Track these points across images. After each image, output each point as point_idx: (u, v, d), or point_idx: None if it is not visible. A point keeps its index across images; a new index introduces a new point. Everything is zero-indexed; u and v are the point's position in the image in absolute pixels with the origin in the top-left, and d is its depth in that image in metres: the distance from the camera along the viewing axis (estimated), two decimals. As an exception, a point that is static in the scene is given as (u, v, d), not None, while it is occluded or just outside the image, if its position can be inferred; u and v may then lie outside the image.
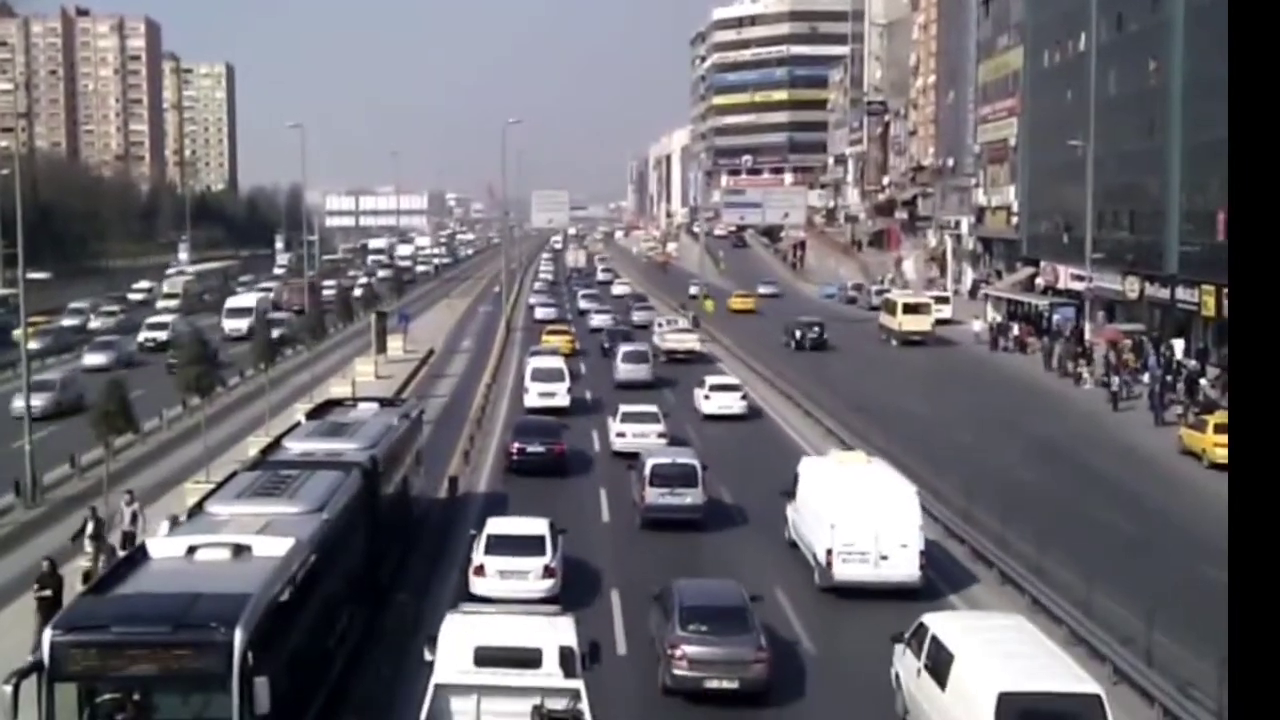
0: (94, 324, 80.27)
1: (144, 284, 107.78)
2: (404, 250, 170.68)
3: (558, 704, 16.03)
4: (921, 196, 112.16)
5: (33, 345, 50.07)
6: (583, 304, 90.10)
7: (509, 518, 27.01)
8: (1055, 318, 65.22)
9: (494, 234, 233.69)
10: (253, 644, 14.16)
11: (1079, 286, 65.91)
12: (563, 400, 45.86)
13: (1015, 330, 67.37)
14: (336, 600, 19.29)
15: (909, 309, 70.28)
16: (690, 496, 30.08)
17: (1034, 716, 16.18)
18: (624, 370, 53.15)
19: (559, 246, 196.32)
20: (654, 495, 29.98)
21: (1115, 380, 49.46)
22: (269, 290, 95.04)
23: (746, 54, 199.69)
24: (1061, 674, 17.14)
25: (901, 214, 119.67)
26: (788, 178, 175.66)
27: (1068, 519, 30.77)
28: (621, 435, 38.70)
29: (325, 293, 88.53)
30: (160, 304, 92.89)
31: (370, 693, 19.05)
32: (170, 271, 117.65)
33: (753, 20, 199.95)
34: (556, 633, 17.10)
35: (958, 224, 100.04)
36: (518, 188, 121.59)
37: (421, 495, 30.29)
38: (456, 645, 16.91)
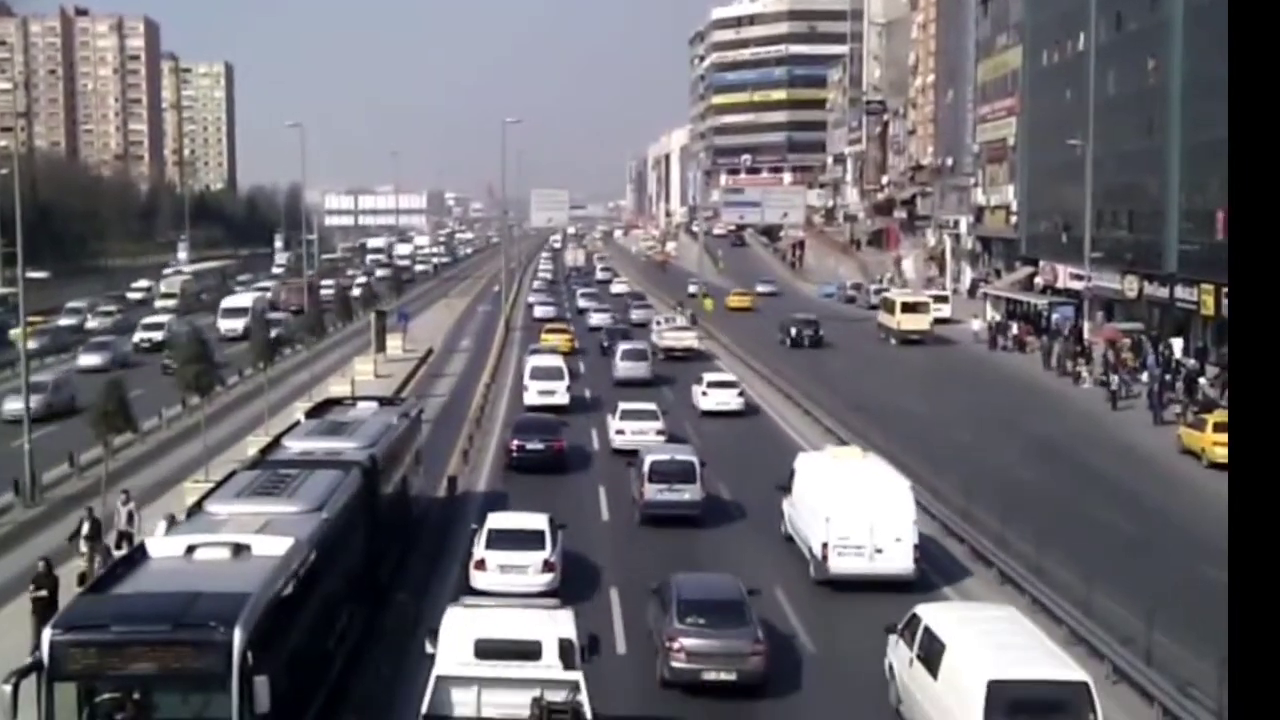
0: (91, 324, 79.70)
1: (143, 283, 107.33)
2: (402, 249, 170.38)
3: (557, 696, 16.17)
4: (920, 196, 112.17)
5: (30, 345, 49.90)
6: (581, 303, 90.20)
7: (509, 513, 27.36)
8: (1054, 317, 65.23)
9: (493, 233, 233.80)
10: (252, 643, 14.15)
11: (1078, 286, 65.92)
12: (562, 398, 46.01)
13: (1014, 329, 67.36)
14: (336, 599, 19.28)
15: (907, 308, 70.34)
16: (689, 493, 30.33)
17: (1023, 704, 16.50)
18: (623, 368, 53.44)
19: (558, 246, 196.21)
20: (653, 491, 30.21)
21: (1114, 379, 49.48)
22: (266, 290, 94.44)
23: (745, 53, 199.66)
24: (1050, 663, 17.43)
25: (900, 213, 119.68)
26: (787, 177, 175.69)
27: (1067, 518, 30.76)
28: (621, 433, 38.92)
29: (323, 292, 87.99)
30: (158, 304, 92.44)
31: (370, 692, 19.04)
32: (167, 271, 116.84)
33: (751, 20, 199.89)
34: (556, 626, 17.25)
35: (956, 223, 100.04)
36: (517, 187, 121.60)
37: (421, 494, 30.30)
38: (457, 638, 17.06)
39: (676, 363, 59.47)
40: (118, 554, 23.94)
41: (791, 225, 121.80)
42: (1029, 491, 33.81)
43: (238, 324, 72.04)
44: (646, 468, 30.47)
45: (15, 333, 67.60)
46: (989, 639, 18.05)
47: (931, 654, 18.30)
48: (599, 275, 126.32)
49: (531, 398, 45.99)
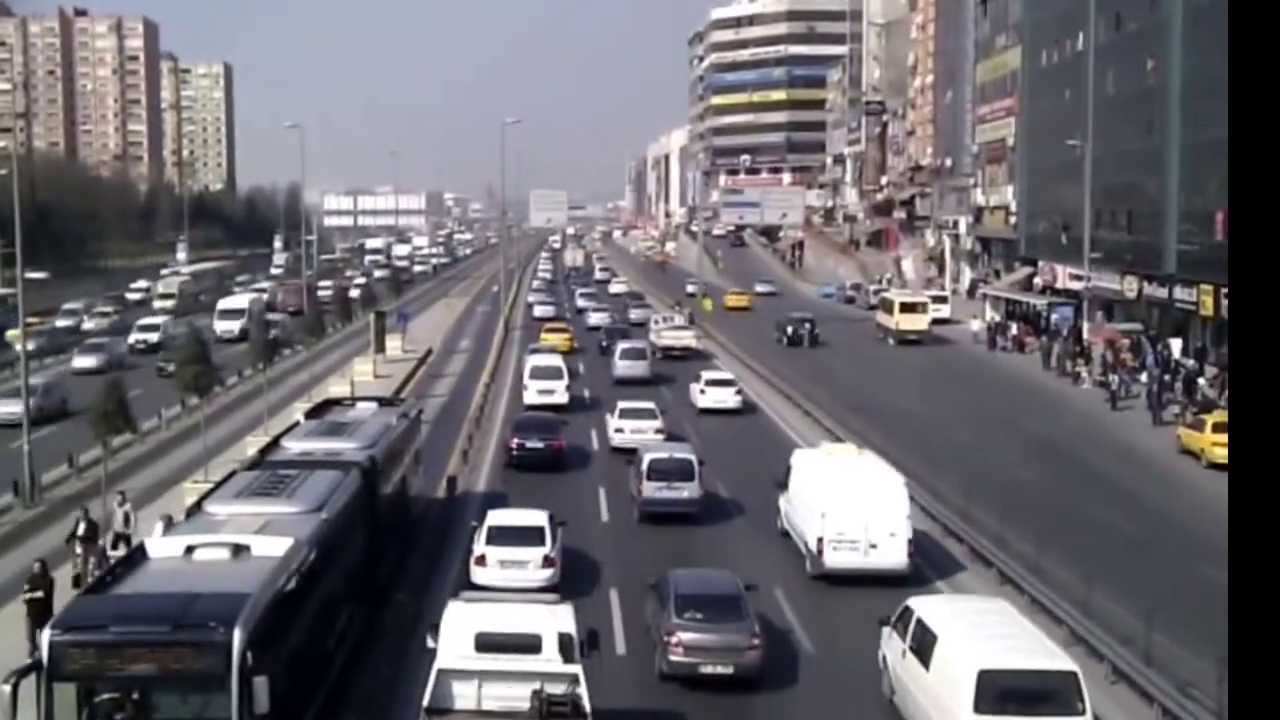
0: (88, 325, 79.10)
1: (141, 284, 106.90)
2: (401, 250, 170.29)
3: (557, 688, 16.39)
4: (920, 196, 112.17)
5: (27, 346, 49.78)
6: (581, 302, 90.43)
7: (509, 509, 27.65)
8: (1053, 317, 65.28)
9: (492, 234, 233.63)
10: (252, 644, 14.15)
11: (1077, 286, 65.93)
12: (561, 398, 46.14)
13: (1013, 330, 67.40)
14: (336, 600, 19.28)
15: (906, 308, 70.47)
16: (687, 490, 30.64)
17: (1013, 693, 16.86)
18: (622, 367, 53.74)
19: (557, 246, 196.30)
20: (651, 489, 30.52)
21: (1113, 380, 49.49)
22: (263, 291, 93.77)
23: (745, 54, 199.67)
24: (1039, 652, 17.79)
25: (900, 214, 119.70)
26: (786, 177, 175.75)
27: (1066, 518, 30.76)
28: (620, 431, 39.16)
29: (321, 293, 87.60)
30: (156, 304, 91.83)
31: (370, 692, 19.06)
32: (165, 272, 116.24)
33: (751, 20, 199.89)
34: (556, 620, 17.43)
35: (956, 224, 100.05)
36: (516, 187, 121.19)
37: (420, 494, 30.33)
38: (458, 631, 17.24)
39: (675, 362, 59.68)
40: (114, 554, 23.96)
41: (791, 226, 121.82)
42: (1028, 492, 33.81)
43: (233, 325, 71.49)
44: (645, 466, 30.79)
45: (11, 334, 67.59)
46: (980, 630, 18.41)
47: (924, 645, 18.59)
48: (598, 275, 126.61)
49: (531, 397, 46.12)
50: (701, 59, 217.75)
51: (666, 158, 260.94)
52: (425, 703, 16.45)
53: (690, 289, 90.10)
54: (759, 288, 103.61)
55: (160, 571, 16.28)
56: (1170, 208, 57.71)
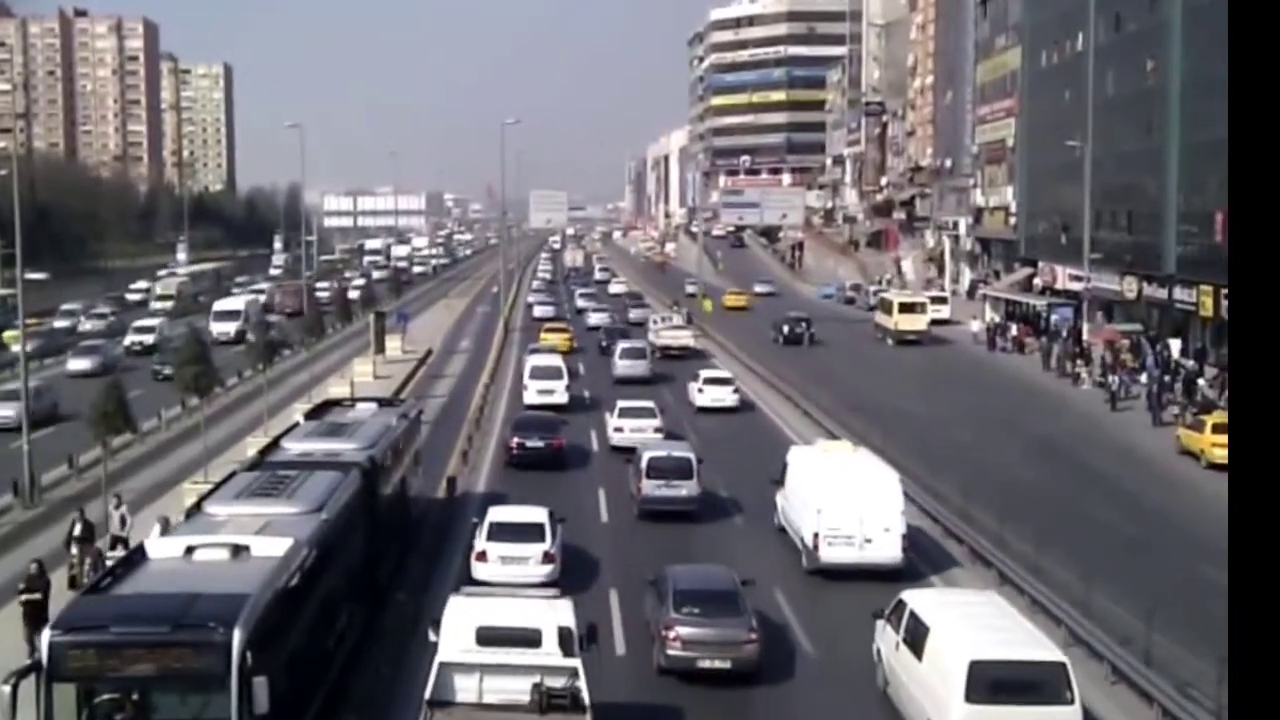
0: (85, 326, 78.35)
1: (141, 285, 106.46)
2: (400, 251, 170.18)
3: (556, 682, 16.67)
4: (919, 197, 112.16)
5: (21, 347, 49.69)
6: (580, 302, 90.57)
7: (510, 506, 27.86)
8: (1053, 318, 65.29)
9: (492, 234, 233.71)
10: (251, 644, 14.15)
11: (1077, 287, 65.92)
12: (561, 397, 46.25)
13: (1013, 330, 67.41)
14: (335, 600, 19.29)
15: (904, 308, 70.58)
16: (685, 488, 30.91)
17: (1003, 683, 17.22)
18: (622, 366, 54.08)
19: (557, 247, 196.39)
20: (650, 487, 30.79)
21: (1113, 380, 49.49)
22: (261, 293, 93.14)
23: (744, 54, 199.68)
24: (1029, 644, 18.18)
25: (899, 214, 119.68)
26: (786, 178, 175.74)
27: (1066, 519, 30.77)
28: (619, 430, 39.34)
29: (319, 294, 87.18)
30: (154, 305, 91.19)
31: (370, 692, 19.08)
32: (162, 273, 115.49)
33: (750, 21, 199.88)
34: (555, 614, 17.64)
35: (955, 224, 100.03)
36: (516, 188, 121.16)
37: (420, 495, 30.34)
38: (460, 626, 17.42)
39: (673, 361, 59.96)
40: (111, 555, 23.93)
41: (790, 226, 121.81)
42: (1028, 492, 33.81)
43: (229, 327, 70.89)
44: (644, 464, 31.07)
45: (9, 335, 67.51)
46: (971, 622, 18.78)
47: (917, 637, 18.91)
48: (597, 276, 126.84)
49: (531, 397, 46.22)
50: (701, 59, 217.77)
51: (666, 158, 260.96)
52: (427, 695, 16.69)
53: (690, 289, 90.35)
54: (758, 288, 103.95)
55: (160, 572, 16.28)
56: (1170, 208, 57.71)
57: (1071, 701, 17.23)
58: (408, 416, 30.02)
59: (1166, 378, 48.88)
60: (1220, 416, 37.21)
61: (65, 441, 37.68)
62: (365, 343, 63.43)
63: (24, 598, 21.92)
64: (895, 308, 70.73)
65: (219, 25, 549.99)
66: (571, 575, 25.22)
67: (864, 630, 21.38)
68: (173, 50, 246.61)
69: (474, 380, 54.57)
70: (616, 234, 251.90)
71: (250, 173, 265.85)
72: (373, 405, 31.01)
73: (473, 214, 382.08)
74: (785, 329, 69.80)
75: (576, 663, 16.93)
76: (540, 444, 36.87)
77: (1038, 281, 76.53)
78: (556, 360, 49.70)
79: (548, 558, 25.26)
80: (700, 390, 47.66)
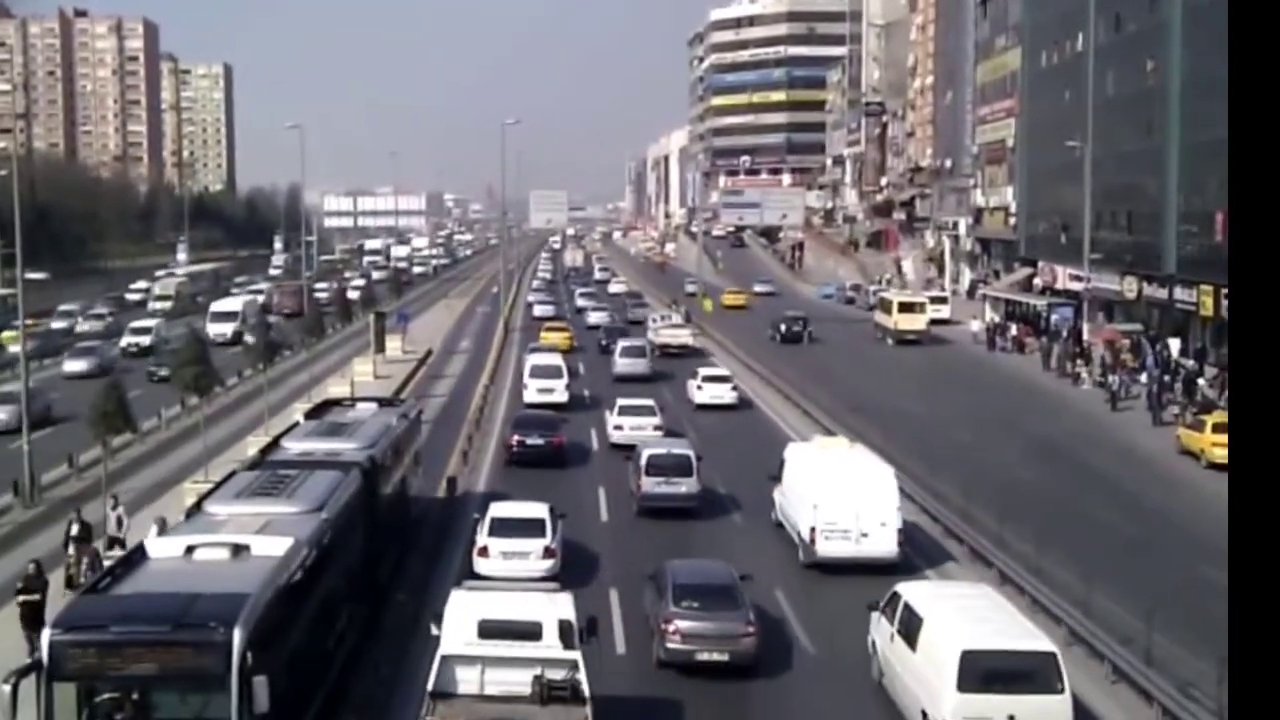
0: (82, 327, 77.82)
1: (141, 285, 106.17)
2: (400, 251, 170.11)
3: (557, 674, 16.91)
4: (919, 197, 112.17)
5: (20, 348, 49.64)
6: (580, 302, 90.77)
7: (511, 502, 28.09)
8: (1053, 318, 65.30)
9: (492, 234, 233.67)
10: (252, 643, 14.15)
11: (1077, 287, 65.92)
12: (561, 396, 46.38)
13: (1013, 330, 67.42)
14: (335, 599, 19.30)
15: (904, 308, 70.67)
16: (685, 485, 31.14)
17: (995, 672, 17.53)
18: (622, 364, 54.41)
19: (557, 247, 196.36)
20: (650, 484, 31.00)
21: (1113, 380, 49.49)
22: (259, 293, 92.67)
23: (744, 55, 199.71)
24: (1021, 634, 18.52)
25: (899, 215, 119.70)
26: (786, 178, 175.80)
27: (1066, 519, 30.78)
28: (619, 428, 39.53)
29: (318, 295, 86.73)
30: (152, 306, 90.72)
31: (370, 692, 19.09)
32: (160, 274, 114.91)
33: (750, 21, 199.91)
34: (556, 608, 17.79)
35: (955, 225, 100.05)
36: (516, 188, 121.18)
37: (420, 495, 30.37)
38: (462, 619, 17.59)
39: (672, 359, 60.28)
40: (108, 555, 23.92)
41: (791, 226, 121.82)
42: (1028, 492, 33.82)
43: (226, 329, 70.48)
44: (644, 461, 31.27)
45: (6, 335, 67.44)
46: (964, 613, 19.10)
47: (910, 628, 19.26)
48: (597, 275, 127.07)
49: (531, 396, 46.34)
50: (701, 60, 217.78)
51: (666, 159, 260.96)
52: (430, 687, 16.89)
53: (690, 289, 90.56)
54: (757, 288, 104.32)
55: (160, 571, 16.27)
56: (1170, 208, 57.71)
57: (1062, 691, 17.50)
58: (408, 416, 30.04)
59: (1166, 378, 48.89)
60: (1220, 416, 37.21)
61: (63, 442, 37.67)
62: (365, 343, 63.44)
63: (22, 598, 21.89)
64: (895, 307, 70.78)
65: (219, 25, 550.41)
66: (572, 571, 25.31)
67: (860, 623, 21.64)
68: (173, 50, 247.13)
69: (474, 380, 54.59)
70: (616, 234, 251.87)
71: (250, 173, 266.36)
72: (373, 405, 30.99)
73: (473, 214, 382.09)
74: (783, 328, 70.57)
75: (577, 655, 17.13)
76: (540, 442, 37.04)
77: (1038, 281, 76.54)
78: (556, 359, 49.88)
79: (548, 552, 25.48)
80: (699, 387, 48.09)
